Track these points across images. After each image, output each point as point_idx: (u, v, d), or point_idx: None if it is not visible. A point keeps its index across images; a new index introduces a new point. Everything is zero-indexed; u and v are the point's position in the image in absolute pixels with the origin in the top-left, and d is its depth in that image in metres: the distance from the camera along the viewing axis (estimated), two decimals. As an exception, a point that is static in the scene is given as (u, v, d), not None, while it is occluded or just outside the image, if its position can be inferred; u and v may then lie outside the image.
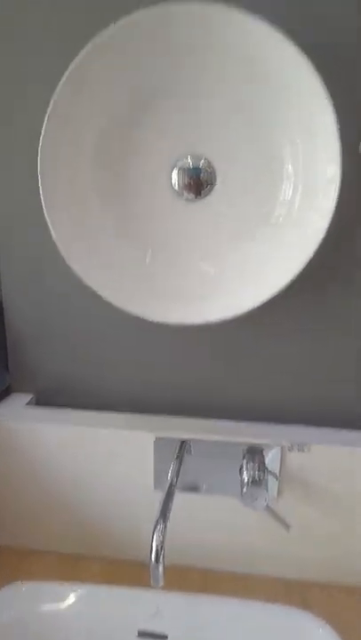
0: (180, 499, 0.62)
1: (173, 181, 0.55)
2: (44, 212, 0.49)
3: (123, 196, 0.54)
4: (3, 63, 0.56)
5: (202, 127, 0.52)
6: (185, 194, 0.56)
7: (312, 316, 0.60)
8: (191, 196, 0.56)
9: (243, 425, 0.63)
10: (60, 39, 0.53)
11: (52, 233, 0.49)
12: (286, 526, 0.57)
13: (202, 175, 0.55)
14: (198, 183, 0.55)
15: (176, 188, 0.55)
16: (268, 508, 0.57)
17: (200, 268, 0.54)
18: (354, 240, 0.56)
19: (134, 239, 0.55)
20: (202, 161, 0.54)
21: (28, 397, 0.68)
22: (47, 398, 0.69)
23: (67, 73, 0.45)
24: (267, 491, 0.54)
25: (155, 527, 0.47)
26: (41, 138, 0.47)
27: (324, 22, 0.50)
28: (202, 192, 0.56)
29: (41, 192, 0.49)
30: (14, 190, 0.60)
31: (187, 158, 0.54)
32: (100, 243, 0.53)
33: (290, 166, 0.50)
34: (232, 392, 0.65)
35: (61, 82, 0.46)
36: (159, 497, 0.52)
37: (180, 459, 0.58)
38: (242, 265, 0.53)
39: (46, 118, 0.47)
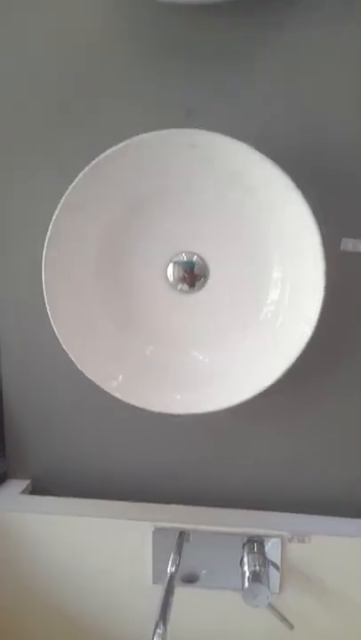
0: (177, 591, 0.60)
1: (169, 274, 0.58)
2: (49, 312, 0.52)
3: (122, 294, 0.57)
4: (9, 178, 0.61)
5: (195, 230, 0.55)
6: (180, 286, 0.58)
7: (311, 401, 0.61)
8: (185, 287, 0.58)
9: (242, 513, 0.62)
10: (60, 161, 0.58)
11: (55, 330, 0.52)
12: (289, 625, 0.55)
13: (195, 268, 0.58)
14: (192, 276, 0.58)
15: (171, 280, 0.58)
16: (271, 606, 0.56)
17: (196, 358, 0.56)
18: (345, 327, 0.59)
19: (133, 332, 0.57)
20: (195, 257, 0.57)
21: (24, 484, 0.67)
22: (44, 485, 0.68)
23: (67, 193, 0.49)
24: (268, 587, 0.53)
25: (154, 631, 0.46)
26: (44, 250, 0.51)
27: (308, 137, 0.55)
28: (195, 284, 0.58)
29: (46, 301, 0.52)
30: (16, 279, 0.62)
31: (181, 255, 0.57)
32: (101, 337, 0.55)
33: (278, 272, 0.53)
34: (231, 479, 0.64)
35: (62, 201, 0.50)
36: (158, 592, 0.50)
37: (179, 552, 0.57)
38: (236, 356, 0.55)
39: (49, 232, 0.50)
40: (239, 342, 0.55)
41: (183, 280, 0.58)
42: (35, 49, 0.57)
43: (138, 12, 0.54)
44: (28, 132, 0.59)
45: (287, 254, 0.52)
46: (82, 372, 0.54)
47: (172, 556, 0.57)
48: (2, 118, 0.59)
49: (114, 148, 0.49)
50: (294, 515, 0.62)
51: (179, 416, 0.54)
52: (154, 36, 0.55)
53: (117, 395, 0.52)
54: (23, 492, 0.66)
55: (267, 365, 0.51)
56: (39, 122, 0.58)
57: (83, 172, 0.49)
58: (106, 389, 0.52)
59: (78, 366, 0.51)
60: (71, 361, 0.54)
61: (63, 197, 0.51)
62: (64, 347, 0.52)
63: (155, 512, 0.62)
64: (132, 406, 0.56)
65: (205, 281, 0.57)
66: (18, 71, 0.58)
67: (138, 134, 0.50)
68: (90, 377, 0.51)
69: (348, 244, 0.56)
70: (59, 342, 0.53)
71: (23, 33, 0.57)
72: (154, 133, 0.48)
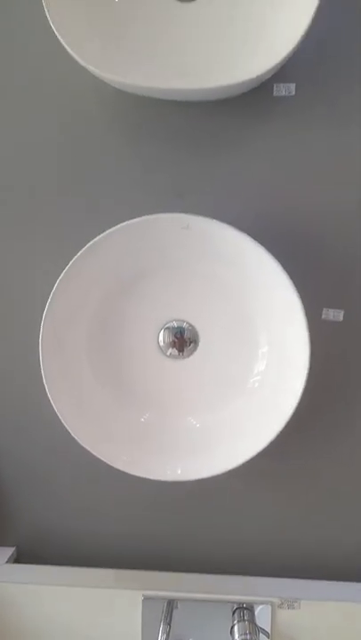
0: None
1: (160, 340, 0.60)
2: (46, 387, 0.53)
3: (115, 362, 0.58)
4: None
5: (186, 301, 0.58)
6: (170, 350, 0.60)
7: (299, 466, 0.62)
8: (175, 352, 0.60)
9: (232, 579, 0.62)
10: (59, 240, 0.61)
11: (52, 402, 0.53)
12: None
13: (185, 334, 0.60)
14: (182, 341, 0.60)
15: (162, 344, 0.60)
16: None
17: (189, 424, 0.58)
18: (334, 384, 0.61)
19: (128, 400, 0.58)
20: (184, 323, 0.59)
21: (9, 552, 0.66)
22: (30, 551, 0.66)
23: (63, 273, 0.52)
24: (260, 657, 0.53)
25: None
26: (42, 328, 0.52)
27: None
28: (185, 349, 0.60)
29: (43, 374, 0.53)
30: (11, 343, 0.64)
31: (172, 322, 0.60)
32: (95, 405, 0.56)
33: (264, 345, 0.56)
34: (221, 544, 0.64)
35: (57, 283, 0.52)
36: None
37: (168, 621, 0.56)
38: (226, 423, 0.56)
39: (45, 310, 0.52)
40: (229, 409, 0.57)
41: (173, 345, 0.60)
42: (35, 135, 0.61)
43: (135, 105, 0.58)
44: (29, 214, 0.62)
45: (274, 329, 0.55)
46: (72, 439, 0.54)
47: (161, 627, 0.57)
48: (3, 199, 0.62)
49: (110, 230, 0.52)
50: (284, 579, 0.62)
51: (170, 483, 0.55)
52: (149, 127, 0.59)
53: (119, 467, 0.52)
54: (8, 560, 0.64)
55: (256, 433, 0.53)
56: (39, 203, 0.61)
57: (79, 254, 0.52)
58: (105, 460, 0.53)
59: (73, 435, 0.52)
60: (59, 428, 0.54)
61: (58, 280, 0.53)
62: (60, 417, 0.53)
63: (143, 580, 0.61)
64: (121, 472, 0.56)
65: (195, 347, 0.60)
66: (20, 155, 0.61)
67: (133, 214, 0.53)
68: (85, 446, 0.52)
69: (329, 314, 0.59)
70: (48, 409, 0.54)
71: (25, 121, 0.61)
72: (151, 216, 0.52)
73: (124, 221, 0.53)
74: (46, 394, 0.53)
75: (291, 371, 0.51)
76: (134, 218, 0.53)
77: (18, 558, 0.67)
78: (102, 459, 0.52)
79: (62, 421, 0.52)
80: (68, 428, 0.52)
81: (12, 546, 0.67)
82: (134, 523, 0.65)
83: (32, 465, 0.65)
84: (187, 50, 0.54)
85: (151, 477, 0.53)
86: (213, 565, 0.64)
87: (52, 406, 0.53)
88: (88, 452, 0.54)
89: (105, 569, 0.63)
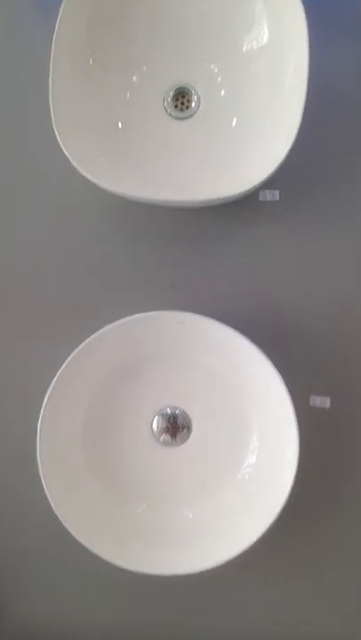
0: None
1: (154, 426, 0.62)
2: (43, 483, 0.54)
3: (109, 451, 0.60)
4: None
5: (180, 389, 0.61)
6: (163, 436, 0.62)
7: (295, 555, 0.63)
8: (169, 438, 0.62)
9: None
10: (57, 334, 0.64)
11: (47, 494, 0.53)
12: None
13: (178, 420, 0.62)
14: (175, 426, 0.62)
15: (155, 430, 0.61)
16: None
17: (183, 514, 0.58)
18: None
19: (121, 490, 0.59)
20: (177, 410, 0.61)
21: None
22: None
23: (60, 370, 0.54)
24: None
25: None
26: (39, 423, 0.54)
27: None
28: (178, 435, 0.62)
29: (40, 468, 0.54)
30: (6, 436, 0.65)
31: (165, 408, 0.62)
32: (89, 496, 0.57)
33: (256, 439, 0.58)
34: (219, 636, 0.63)
35: (54, 382, 0.54)
36: None
37: None
38: (219, 513, 0.57)
39: (43, 406, 0.54)
40: (221, 500, 0.58)
41: (167, 430, 0.62)
42: (35, 235, 0.66)
43: (131, 207, 0.63)
44: (29, 308, 0.65)
45: (264, 421, 0.57)
46: (65, 530, 0.54)
47: None
48: (4, 293, 0.66)
49: (108, 327, 0.55)
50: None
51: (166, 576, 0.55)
52: (144, 227, 0.64)
53: (117, 562, 0.52)
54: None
55: (248, 525, 0.53)
56: (39, 298, 0.65)
57: (77, 350, 0.55)
58: (102, 556, 0.53)
59: (70, 531, 0.52)
60: (50, 517, 0.54)
61: (55, 378, 0.55)
62: (56, 513, 0.54)
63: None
64: (114, 567, 0.56)
65: (189, 433, 0.61)
66: (19, 253, 0.66)
67: (130, 307, 0.57)
68: (81, 541, 0.52)
69: (316, 401, 0.62)
70: (42, 502, 0.54)
71: (24, 221, 0.66)
72: (146, 314, 0.55)
73: (121, 313, 0.56)
74: (41, 486, 0.54)
75: (280, 464, 0.53)
76: (131, 311, 0.56)
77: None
78: (99, 554, 0.52)
79: (60, 519, 0.53)
80: (68, 528, 0.53)
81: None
82: (127, 614, 0.64)
83: (24, 558, 0.65)
84: (181, 163, 0.59)
85: (147, 572, 0.53)
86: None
87: (46, 499, 0.54)
88: (82, 550, 0.54)
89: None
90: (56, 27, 0.55)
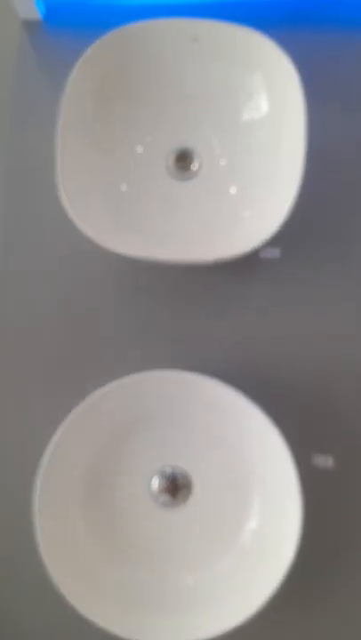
0: None
1: (153, 486, 0.60)
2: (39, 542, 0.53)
3: (109, 514, 0.58)
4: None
5: (180, 448, 0.60)
6: (163, 497, 0.60)
7: (302, 624, 0.60)
8: (169, 498, 0.60)
9: None
10: (54, 396, 0.63)
11: (46, 563, 0.52)
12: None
13: (179, 479, 0.61)
14: (175, 486, 0.61)
15: (155, 490, 0.60)
16: None
17: (184, 580, 0.57)
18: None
19: (120, 554, 0.57)
20: (178, 469, 0.60)
21: None
22: None
23: (56, 435, 0.54)
24: None
25: None
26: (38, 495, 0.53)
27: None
28: (178, 495, 0.61)
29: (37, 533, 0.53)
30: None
31: (165, 467, 0.60)
32: (89, 561, 0.56)
33: (258, 502, 0.57)
34: None
35: (50, 449, 0.54)
36: None
37: None
38: (221, 579, 0.55)
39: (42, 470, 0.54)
40: (222, 565, 0.56)
41: (166, 490, 0.61)
42: (37, 293, 0.67)
43: (132, 266, 0.63)
44: (27, 367, 0.66)
45: (267, 484, 0.56)
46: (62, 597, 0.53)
47: None
48: (5, 350, 0.66)
49: (108, 386, 0.55)
50: None
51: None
52: (145, 285, 0.65)
53: (116, 631, 0.50)
54: None
55: (249, 593, 0.52)
56: (40, 355, 0.65)
57: (76, 409, 0.54)
58: (101, 626, 0.51)
59: (67, 598, 0.51)
60: (47, 583, 0.52)
61: (52, 443, 0.55)
62: (53, 579, 0.52)
63: None
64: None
65: (189, 494, 0.60)
66: (20, 313, 0.67)
67: (128, 368, 0.57)
68: (83, 613, 0.51)
69: (320, 461, 0.61)
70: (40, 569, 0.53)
71: (25, 282, 0.67)
72: (147, 373, 0.55)
73: (121, 371, 0.56)
74: (37, 551, 0.53)
75: (282, 529, 0.52)
76: (131, 368, 0.56)
77: None
78: (97, 623, 0.50)
79: (57, 585, 0.51)
80: (65, 596, 0.51)
81: None
82: None
83: (17, 626, 0.62)
84: (183, 224, 0.61)
85: None
86: None
87: (42, 565, 0.52)
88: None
89: None
90: (64, 98, 0.58)
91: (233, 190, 0.62)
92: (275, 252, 0.64)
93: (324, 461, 0.61)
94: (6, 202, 0.69)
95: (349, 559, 0.61)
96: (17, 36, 0.74)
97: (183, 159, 0.64)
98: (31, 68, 0.74)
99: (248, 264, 0.64)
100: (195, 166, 0.64)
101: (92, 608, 0.51)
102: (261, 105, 0.59)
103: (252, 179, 0.60)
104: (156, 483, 0.60)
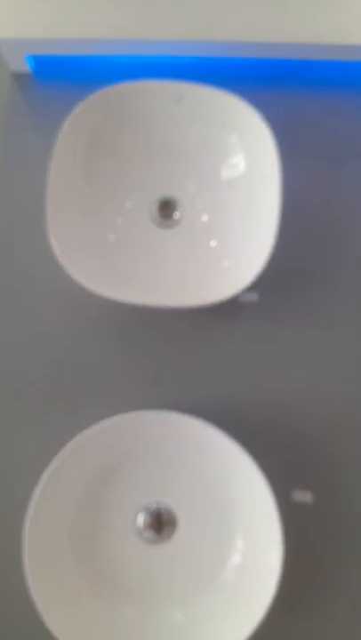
0: None
1: (138, 522, 0.62)
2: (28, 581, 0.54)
3: (96, 551, 0.60)
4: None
5: (166, 483, 0.62)
6: (147, 532, 0.61)
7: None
8: (153, 534, 0.62)
9: None
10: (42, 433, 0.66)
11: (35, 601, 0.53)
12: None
13: (163, 515, 0.63)
14: (160, 522, 0.62)
15: (140, 526, 0.62)
16: None
17: (173, 616, 0.58)
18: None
19: (109, 593, 0.58)
20: (163, 505, 0.62)
21: None
22: None
23: (47, 475, 0.56)
24: None
25: None
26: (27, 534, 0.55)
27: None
28: (163, 531, 0.62)
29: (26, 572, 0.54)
30: None
31: (151, 504, 0.62)
32: (78, 601, 0.57)
33: (241, 541, 0.59)
34: None
35: (40, 487, 0.56)
36: None
37: None
38: (207, 614, 0.57)
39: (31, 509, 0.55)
40: (207, 601, 0.58)
41: (151, 526, 0.62)
42: (26, 337, 0.69)
43: (116, 309, 0.65)
44: (13, 407, 0.68)
45: (248, 520, 0.59)
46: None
47: None
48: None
49: (98, 426, 0.57)
50: None
51: None
52: (128, 328, 0.69)
53: None
54: None
55: (232, 629, 0.53)
56: (26, 395, 0.68)
57: (61, 452, 0.56)
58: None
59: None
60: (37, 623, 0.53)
61: (40, 483, 0.56)
62: (44, 619, 0.53)
63: None
64: None
65: (173, 529, 0.61)
66: (6, 355, 0.69)
67: (115, 406, 0.59)
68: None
69: (299, 496, 0.64)
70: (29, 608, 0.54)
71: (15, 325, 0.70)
72: (131, 414, 0.58)
73: (106, 412, 0.58)
74: (27, 591, 0.54)
75: (264, 566, 0.54)
76: (117, 409, 0.59)
77: None
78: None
79: (46, 622, 0.52)
80: (53, 631, 0.52)
81: None
82: None
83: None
84: (166, 270, 0.65)
85: None
86: None
87: (33, 605, 0.53)
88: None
89: None
90: (54, 154, 0.62)
91: (213, 243, 0.66)
92: (253, 296, 0.68)
93: (303, 497, 0.64)
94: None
95: (329, 591, 0.63)
96: (7, 89, 0.78)
97: (166, 207, 0.68)
98: (21, 120, 0.77)
99: (228, 307, 0.67)
100: (177, 215, 0.68)
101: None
102: (239, 164, 0.64)
103: (231, 232, 0.64)
104: (141, 519, 0.62)
